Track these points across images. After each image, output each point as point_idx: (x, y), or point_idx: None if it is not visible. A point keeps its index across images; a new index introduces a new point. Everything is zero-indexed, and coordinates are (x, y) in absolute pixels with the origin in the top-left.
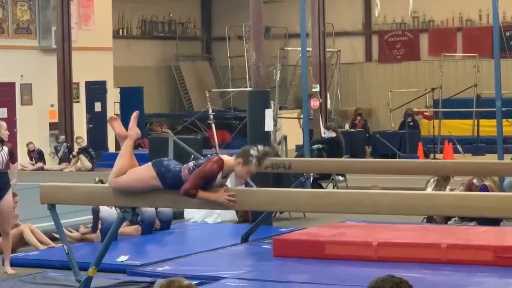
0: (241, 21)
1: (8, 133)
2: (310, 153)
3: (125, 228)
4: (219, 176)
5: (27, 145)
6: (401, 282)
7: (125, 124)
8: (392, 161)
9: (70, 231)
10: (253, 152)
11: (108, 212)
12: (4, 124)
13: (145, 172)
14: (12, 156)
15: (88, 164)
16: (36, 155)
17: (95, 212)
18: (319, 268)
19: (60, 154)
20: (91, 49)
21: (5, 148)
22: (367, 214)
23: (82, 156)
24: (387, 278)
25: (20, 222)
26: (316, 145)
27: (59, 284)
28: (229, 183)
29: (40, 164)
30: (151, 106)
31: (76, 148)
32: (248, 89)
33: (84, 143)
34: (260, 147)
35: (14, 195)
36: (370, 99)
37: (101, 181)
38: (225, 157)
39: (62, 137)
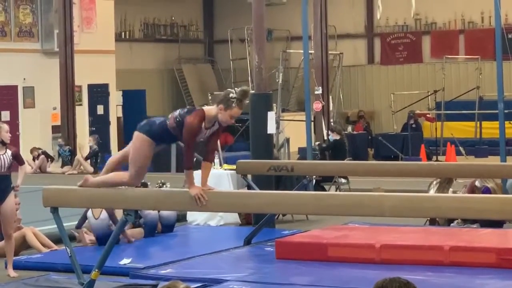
0: (243, 24)
1: (10, 135)
2: (313, 155)
3: (128, 231)
4: (203, 127)
5: (31, 152)
6: (408, 283)
7: (126, 129)
8: (394, 164)
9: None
10: (232, 94)
11: (96, 221)
12: (5, 126)
13: (135, 141)
14: (18, 159)
15: (89, 168)
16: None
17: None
18: (322, 270)
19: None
20: (94, 52)
21: (9, 152)
22: (369, 217)
23: (82, 160)
24: (395, 279)
25: (22, 225)
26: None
27: (62, 287)
28: (231, 185)
29: (38, 163)
30: (154, 109)
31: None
32: (251, 91)
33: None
34: (237, 89)
35: (16, 196)
36: (372, 102)
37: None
38: (205, 108)
39: (60, 140)
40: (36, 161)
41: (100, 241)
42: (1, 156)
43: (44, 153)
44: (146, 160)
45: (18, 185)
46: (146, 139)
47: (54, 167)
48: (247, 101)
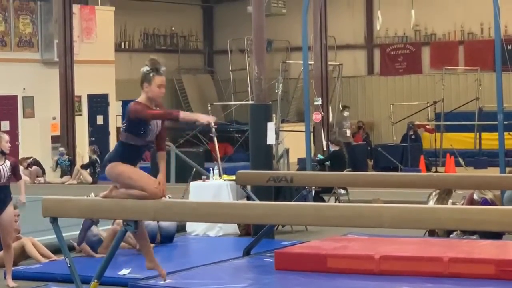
0: (243, 34)
1: (10, 145)
2: (312, 166)
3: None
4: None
5: (21, 163)
6: None
7: None
8: (394, 175)
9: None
10: (146, 68)
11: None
12: (5, 136)
13: (112, 174)
14: (15, 173)
15: (88, 178)
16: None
17: (86, 226)
18: (321, 281)
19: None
20: (93, 62)
21: (7, 162)
22: (369, 228)
23: (82, 170)
24: None
25: (21, 235)
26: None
27: None
28: (231, 196)
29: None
30: None
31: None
32: (250, 102)
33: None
34: (146, 62)
35: (15, 207)
36: (372, 112)
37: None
38: (138, 99)
39: (61, 149)
40: (30, 169)
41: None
42: (1, 166)
43: (36, 163)
44: (136, 173)
45: (24, 202)
46: (116, 164)
47: (53, 177)
48: (164, 68)
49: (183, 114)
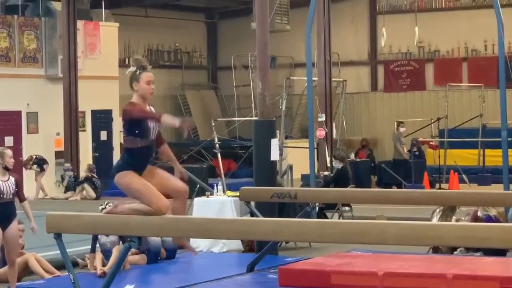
0: (246, 51)
1: (14, 161)
2: (316, 183)
3: (131, 257)
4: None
5: (25, 166)
6: None
7: None
8: (397, 191)
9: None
10: (132, 68)
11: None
12: (9, 151)
13: (122, 185)
14: (19, 192)
15: (92, 194)
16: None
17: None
18: None
19: (65, 183)
20: (97, 78)
21: (12, 179)
22: (373, 244)
23: (86, 185)
24: None
25: (25, 250)
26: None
27: None
28: (234, 212)
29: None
30: None
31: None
32: (254, 118)
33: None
34: (131, 62)
35: (20, 223)
36: (375, 129)
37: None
38: (132, 100)
39: (67, 165)
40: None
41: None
42: (5, 183)
43: (37, 162)
44: (144, 187)
45: (34, 227)
46: (125, 173)
47: (57, 192)
48: (149, 65)
49: (164, 118)
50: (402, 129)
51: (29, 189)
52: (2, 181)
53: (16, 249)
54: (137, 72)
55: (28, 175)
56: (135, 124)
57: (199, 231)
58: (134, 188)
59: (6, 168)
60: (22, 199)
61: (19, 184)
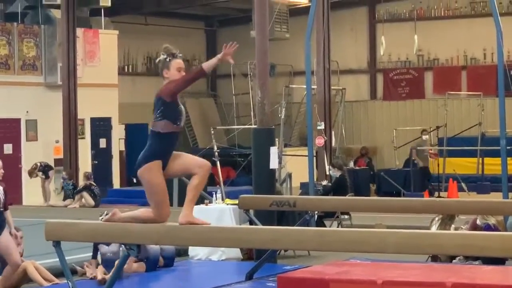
0: (246, 59)
1: (3, 171)
2: (315, 191)
3: (134, 265)
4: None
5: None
6: None
7: (129, 163)
8: (396, 200)
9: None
10: (162, 56)
11: (106, 247)
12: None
13: (144, 177)
14: (5, 201)
15: (91, 202)
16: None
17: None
18: None
19: (59, 189)
20: (97, 85)
21: (0, 188)
22: (372, 253)
23: (85, 193)
24: None
25: (24, 258)
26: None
27: None
28: (233, 220)
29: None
30: None
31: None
32: (253, 126)
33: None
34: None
35: (18, 230)
36: (375, 137)
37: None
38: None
39: (63, 173)
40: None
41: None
42: None
43: (42, 169)
44: (162, 191)
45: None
46: (151, 167)
47: (56, 200)
48: (179, 54)
49: (206, 65)
50: (425, 137)
51: (36, 196)
52: None
53: (10, 256)
54: (167, 60)
55: (33, 182)
56: (170, 107)
57: (198, 239)
58: (154, 187)
59: None
60: (5, 208)
61: (6, 193)
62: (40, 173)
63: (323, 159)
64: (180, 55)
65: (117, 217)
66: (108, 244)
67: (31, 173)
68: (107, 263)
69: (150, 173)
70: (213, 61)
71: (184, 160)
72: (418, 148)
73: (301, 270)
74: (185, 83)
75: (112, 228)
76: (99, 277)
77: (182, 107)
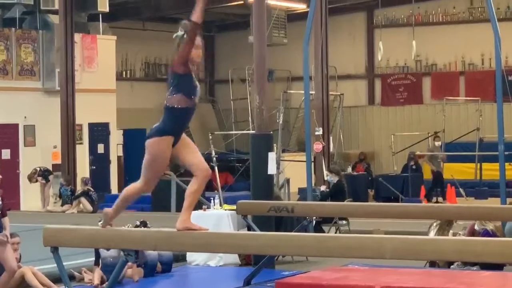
0: (244, 64)
1: (1, 176)
2: (313, 196)
3: (128, 271)
4: (193, 74)
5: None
6: None
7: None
8: (394, 205)
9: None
10: (179, 33)
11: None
12: None
13: (151, 148)
14: (3, 208)
15: (89, 207)
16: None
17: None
18: None
19: (57, 194)
20: (95, 91)
21: None
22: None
23: (83, 199)
24: None
25: (21, 264)
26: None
27: None
28: (231, 226)
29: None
30: None
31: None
32: (251, 132)
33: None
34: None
35: (15, 235)
36: (373, 143)
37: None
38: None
39: (61, 180)
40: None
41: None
42: None
43: (42, 174)
44: (162, 164)
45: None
46: (162, 140)
47: (53, 205)
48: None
49: (196, 17)
50: (437, 143)
51: (34, 201)
52: None
53: (6, 262)
54: (185, 36)
55: (31, 187)
56: (187, 80)
57: (197, 245)
58: (157, 161)
59: None
60: (4, 215)
61: (3, 199)
62: (39, 178)
63: (321, 164)
64: (188, 25)
65: (109, 214)
66: (108, 249)
67: (30, 178)
68: (107, 268)
69: (159, 146)
70: (198, 6)
71: (190, 154)
72: (431, 153)
73: (299, 276)
74: (188, 46)
75: (110, 234)
76: (96, 282)
77: (198, 84)
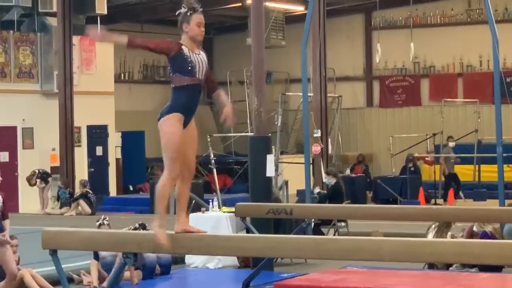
0: (242, 66)
1: (1, 178)
2: (312, 198)
3: (126, 273)
4: (187, 52)
5: (29, 181)
6: None
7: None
8: (393, 207)
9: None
10: (182, 10)
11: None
12: None
13: (163, 128)
14: (4, 210)
15: (87, 209)
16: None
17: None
18: None
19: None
20: (93, 93)
21: (0, 197)
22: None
23: (81, 201)
24: None
25: (20, 266)
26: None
27: None
28: (230, 228)
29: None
30: (153, 150)
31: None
32: (250, 134)
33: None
34: (183, 4)
35: (13, 238)
36: (371, 144)
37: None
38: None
39: (59, 183)
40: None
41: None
42: None
43: (41, 176)
44: (175, 138)
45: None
46: (173, 118)
47: (52, 208)
48: (199, 7)
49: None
50: (451, 144)
51: (32, 203)
52: None
53: (6, 265)
54: (188, 14)
55: (29, 189)
56: (179, 60)
57: (195, 247)
58: (170, 136)
59: None
60: (5, 217)
61: (4, 202)
62: (38, 181)
63: (320, 166)
64: (201, 9)
65: (158, 220)
66: None
67: (29, 180)
68: (106, 267)
69: (168, 121)
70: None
71: (188, 148)
72: (445, 155)
73: (298, 278)
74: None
75: (109, 237)
76: (95, 283)
77: (198, 57)
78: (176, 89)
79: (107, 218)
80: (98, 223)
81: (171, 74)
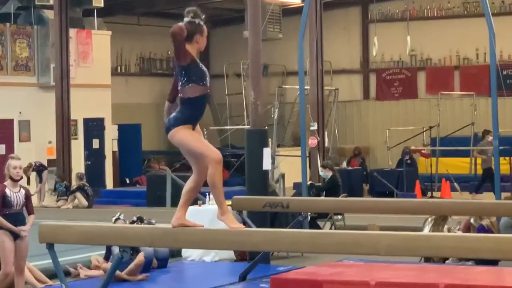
0: (239, 59)
1: (19, 171)
2: (308, 192)
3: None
4: (198, 61)
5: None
6: None
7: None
8: (389, 201)
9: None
10: (196, 20)
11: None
12: (14, 162)
13: (177, 137)
14: (28, 205)
15: (84, 202)
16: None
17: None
18: None
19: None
20: (90, 86)
21: (22, 191)
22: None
23: (78, 194)
24: None
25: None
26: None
27: None
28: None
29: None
30: (149, 143)
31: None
32: (246, 127)
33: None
34: (190, 15)
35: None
36: (367, 137)
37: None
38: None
39: (55, 177)
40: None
41: None
42: (16, 194)
43: (37, 168)
44: (196, 139)
45: (25, 230)
46: (180, 128)
47: (49, 201)
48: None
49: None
50: (490, 138)
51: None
52: (12, 192)
53: (25, 258)
54: (201, 24)
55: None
56: (192, 69)
57: (192, 241)
58: (188, 143)
59: (14, 180)
60: (30, 212)
61: (28, 197)
62: (34, 173)
63: (316, 159)
64: (195, 10)
65: (178, 220)
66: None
67: (25, 172)
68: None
69: (180, 132)
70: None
71: None
72: (483, 148)
73: (295, 271)
74: (180, 46)
75: (106, 231)
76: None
77: (204, 67)
78: (189, 100)
79: (123, 214)
80: (114, 218)
81: (185, 85)
